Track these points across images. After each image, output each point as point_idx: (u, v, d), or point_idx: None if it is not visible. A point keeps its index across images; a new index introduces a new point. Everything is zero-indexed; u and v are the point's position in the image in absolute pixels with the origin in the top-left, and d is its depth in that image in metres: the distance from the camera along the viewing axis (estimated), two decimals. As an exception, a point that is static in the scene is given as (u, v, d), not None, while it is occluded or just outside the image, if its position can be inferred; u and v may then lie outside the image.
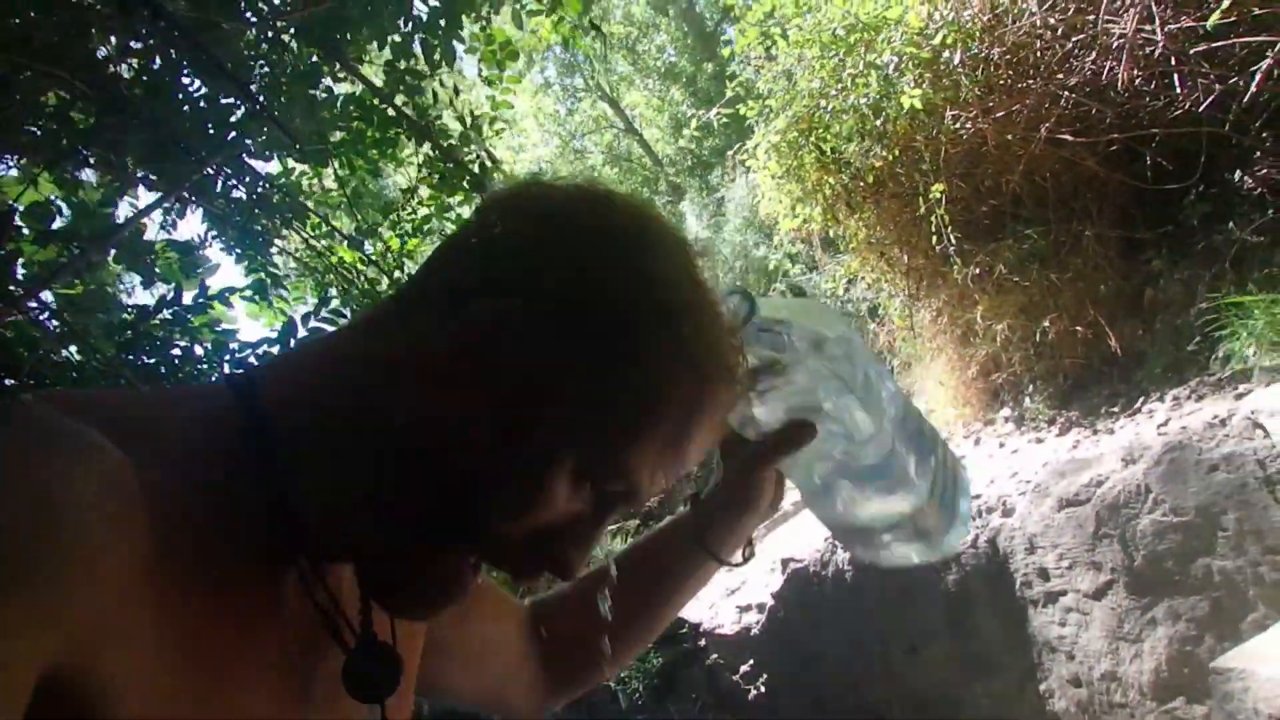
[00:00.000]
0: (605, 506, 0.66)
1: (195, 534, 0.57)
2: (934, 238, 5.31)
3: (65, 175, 3.34)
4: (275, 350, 3.51)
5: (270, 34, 3.19)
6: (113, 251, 3.53)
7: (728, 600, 6.21)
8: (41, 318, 3.03)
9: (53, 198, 3.24)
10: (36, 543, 0.46)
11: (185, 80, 3.13)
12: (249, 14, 3.14)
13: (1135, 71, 4.27)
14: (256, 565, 0.62)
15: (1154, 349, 4.72)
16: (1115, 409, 4.76)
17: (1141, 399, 4.59)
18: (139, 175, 3.42)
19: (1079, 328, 4.96)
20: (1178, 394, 4.35)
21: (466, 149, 3.33)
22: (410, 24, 3.09)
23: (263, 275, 3.94)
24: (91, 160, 3.30)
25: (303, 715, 0.65)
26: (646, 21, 19.12)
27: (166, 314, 3.18)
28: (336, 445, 0.64)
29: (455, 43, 2.99)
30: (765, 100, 6.70)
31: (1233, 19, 3.79)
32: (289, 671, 0.64)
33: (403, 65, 3.06)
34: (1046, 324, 5.08)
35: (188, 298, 3.26)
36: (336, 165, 3.37)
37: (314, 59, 3.20)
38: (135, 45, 2.95)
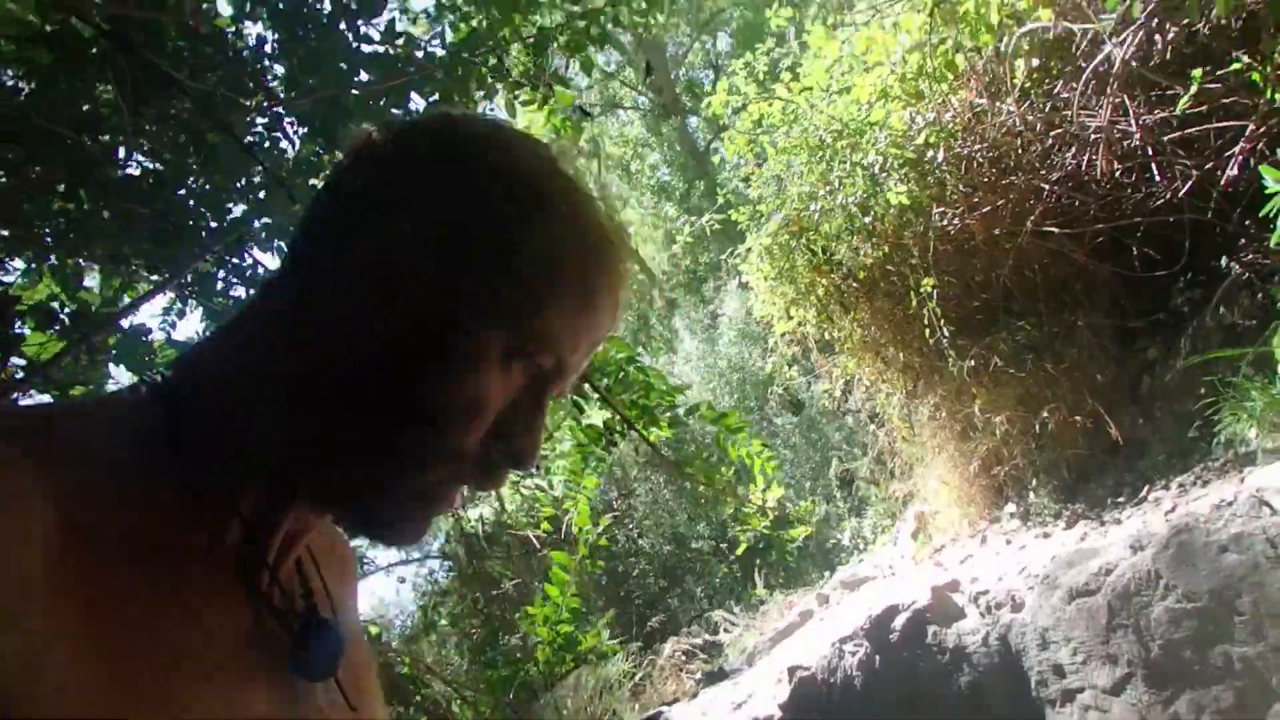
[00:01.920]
0: (541, 385, 0.69)
1: (112, 529, 0.57)
2: (927, 332, 5.32)
3: (67, 272, 3.38)
4: None
5: (271, 121, 3.28)
6: (112, 353, 3.50)
7: (734, 714, 6.00)
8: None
9: (55, 295, 3.31)
10: None
11: (191, 166, 3.21)
12: (262, 97, 3.25)
13: (1114, 163, 4.36)
14: (188, 556, 0.62)
15: (1155, 436, 4.68)
16: (1121, 499, 4.69)
17: (1147, 487, 4.53)
18: (140, 270, 3.48)
19: (1078, 418, 4.93)
20: (1183, 480, 4.29)
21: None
22: (408, 116, 3.15)
23: None
24: (95, 256, 3.33)
25: (267, 710, 0.64)
26: (640, 141, 19.65)
27: None
28: (268, 407, 0.65)
29: None
30: (756, 205, 6.82)
31: (1203, 108, 3.89)
32: (243, 663, 0.63)
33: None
34: (1045, 415, 5.05)
35: None
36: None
37: (318, 149, 3.28)
38: (148, 130, 3.01)
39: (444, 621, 9.45)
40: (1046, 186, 4.77)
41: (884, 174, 5.52)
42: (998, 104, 4.96)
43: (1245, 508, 3.50)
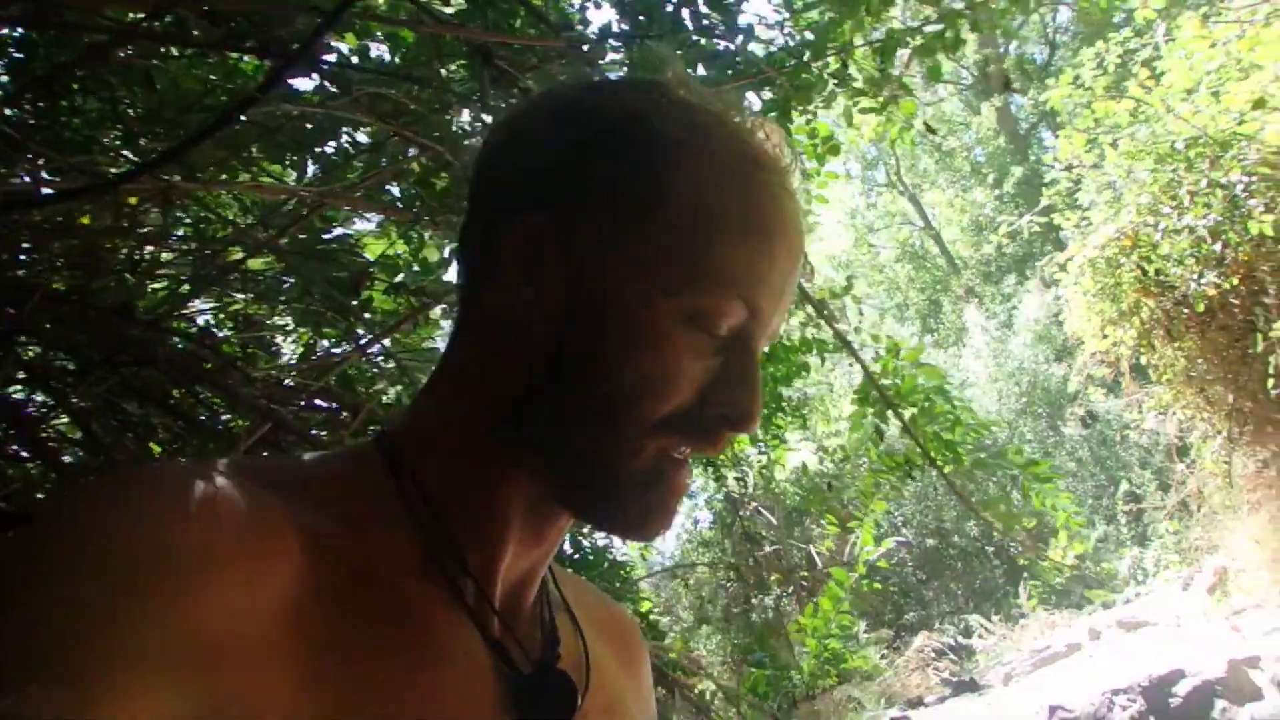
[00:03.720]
0: (739, 338, 0.64)
1: (350, 578, 0.58)
2: (1270, 380, 4.76)
3: (411, 234, 3.48)
4: None
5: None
6: (443, 308, 3.74)
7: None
8: (379, 360, 3.22)
9: (399, 253, 3.42)
10: (157, 600, 0.47)
11: None
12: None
13: None
14: (417, 598, 0.61)
15: None
16: None
17: None
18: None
19: None
20: None
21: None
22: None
23: None
24: (437, 221, 3.53)
25: None
26: (957, 119, 18.80)
27: None
28: (475, 433, 0.65)
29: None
30: (1085, 211, 6.35)
31: None
32: (458, 708, 0.61)
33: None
34: (1400, 494, 4.42)
35: None
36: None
37: None
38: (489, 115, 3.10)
39: (717, 614, 9.68)
40: None
41: (1246, 195, 4.95)
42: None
43: None
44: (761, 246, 0.64)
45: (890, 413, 3.32)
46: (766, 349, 0.69)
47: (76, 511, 0.52)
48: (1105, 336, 6.27)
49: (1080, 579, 9.67)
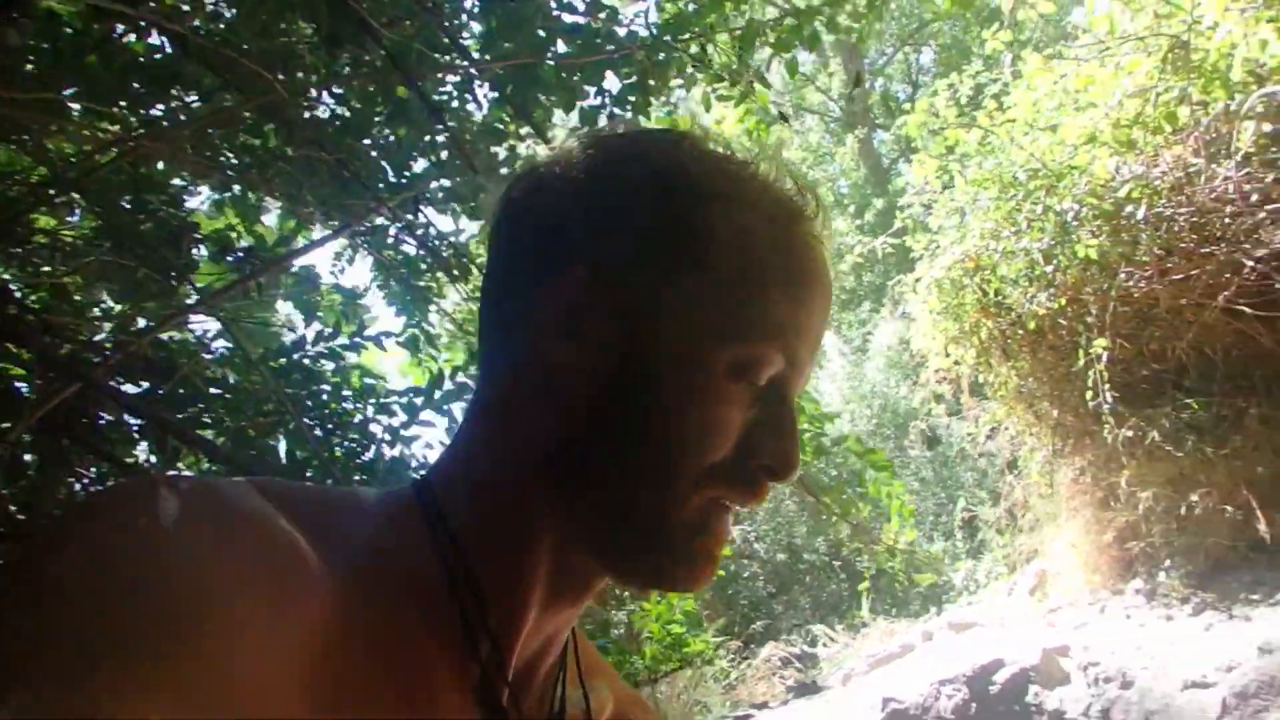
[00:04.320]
0: (779, 387, 0.65)
1: (385, 618, 0.57)
2: (1089, 394, 5.16)
3: (249, 206, 3.43)
4: (420, 400, 3.52)
5: (462, 82, 3.24)
6: (280, 290, 3.63)
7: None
8: (205, 334, 3.15)
9: (232, 225, 3.36)
10: (186, 626, 0.46)
11: (377, 118, 3.17)
12: (455, 56, 3.17)
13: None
14: (439, 657, 0.60)
15: (1310, 543, 4.44)
16: (1256, 597, 4.48)
17: (1289, 593, 4.32)
18: (317, 213, 3.48)
19: (1228, 508, 4.71)
20: (1331, 594, 4.07)
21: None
22: (601, 95, 3.10)
23: (418, 332, 3.95)
24: (276, 193, 3.31)
25: None
26: (822, 149, 19.35)
27: (323, 347, 3.24)
28: (514, 485, 0.64)
29: (641, 118, 3.06)
30: (935, 234, 6.67)
31: None
32: None
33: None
34: (1195, 499, 4.85)
35: (344, 339, 3.31)
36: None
37: (505, 116, 3.26)
38: (339, 75, 2.99)
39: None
40: (1249, 263, 4.55)
41: (1076, 223, 5.35)
42: (1214, 167, 4.75)
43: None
44: (801, 296, 0.64)
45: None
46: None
47: (108, 522, 0.50)
48: (948, 355, 6.56)
49: (919, 592, 10.14)
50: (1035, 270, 5.73)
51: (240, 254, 3.06)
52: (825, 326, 0.68)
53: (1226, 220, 4.74)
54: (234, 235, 3.21)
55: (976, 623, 7.58)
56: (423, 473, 0.71)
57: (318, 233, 3.62)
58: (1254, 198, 4.61)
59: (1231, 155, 4.65)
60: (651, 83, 3.02)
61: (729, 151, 0.67)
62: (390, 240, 3.83)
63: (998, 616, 7.27)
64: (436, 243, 3.81)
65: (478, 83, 3.32)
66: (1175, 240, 4.97)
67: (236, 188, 3.28)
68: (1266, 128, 4.56)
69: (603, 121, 3.18)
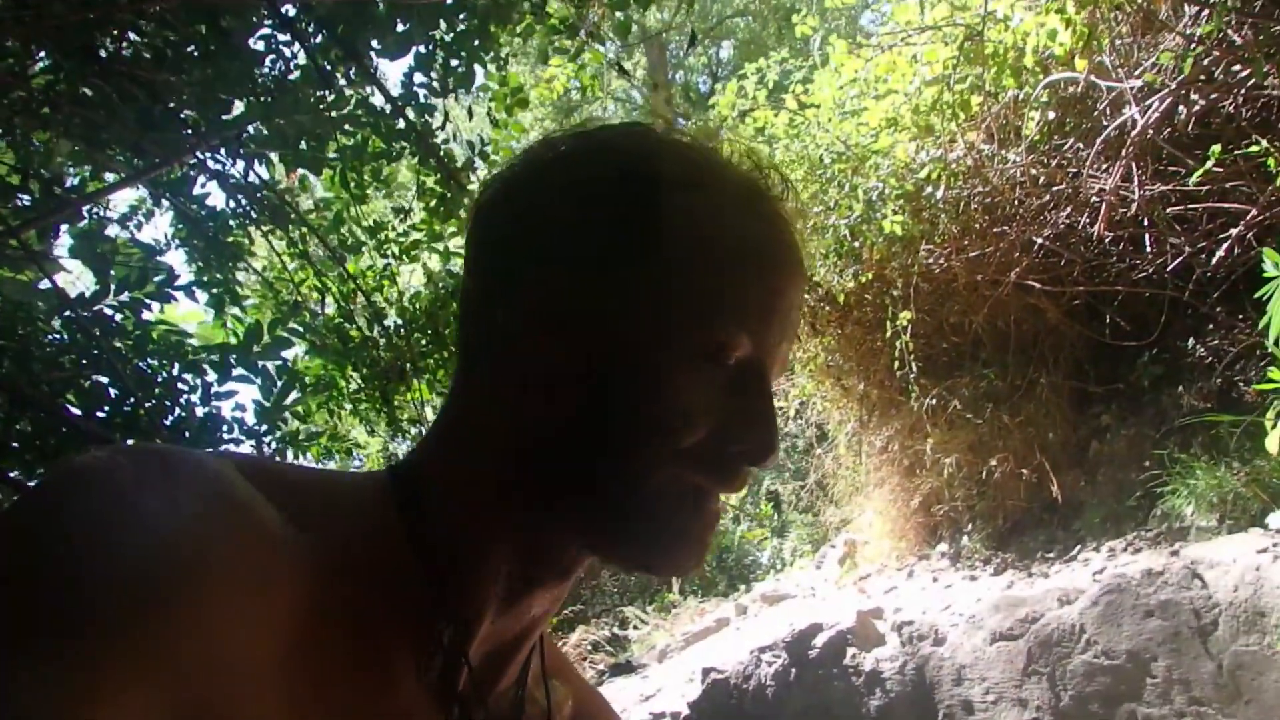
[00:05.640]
0: (753, 371, 0.65)
1: (355, 606, 0.58)
2: (895, 364, 5.39)
3: (31, 147, 3.17)
4: (234, 357, 3.41)
5: (288, 21, 3.11)
6: (68, 241, 3.29)
7: (641, 706, 6.01)
8: None
9: (13, 168, 3.13)
10: (156, 607, 0.45)
11: (193, 54, 2.99)
12: None
13: (1108, 229, 4.46)
14: (404, 643, 0.61)
15: (1094, 500, 4.79)
16: (1051, 554, 4.80)
17: (1078, 547, 4.64)
18: (116, 153, 3.27)
19: (1024, 471, 5.03)
20: (1114, 545, 4.40)
21: (468, 177, 3.33)
22: (434, 42, 3.06)
23: (222, 290, 3.80)
24: (70, 134, 3.07)
25: None
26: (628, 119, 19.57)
27: (126, 296, 3.07)
28: (495, 477, 0.65)
29: (476, 67, 3.03)
30: (745, 213, 6.80)
31: (1208, 187, 3.99)
32: None
33: (418, 80, 3.10)
34: (993, 464, 5.15)
35: (150, 289, 3.15)
36: (332, 175, 3.32)
37: (331, 56, 3.14)
38: (153, 9, 2.80)
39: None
40: (1037, 241, 4.86)
41: (880, 202, 5.57)
42: (1004, 151, 5.04)
43: (1178, 578, 3.60)
44: (765, 275, 0.65)
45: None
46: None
47: (85, 495, 0.49)
48: (756, 331, 6.74)
49: (726, 571, 10.39)
50: (844, 246, 5.94)
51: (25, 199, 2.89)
52: (798, 306, 0.69)
53: (1017, 202, 5.04)
54: (14, 179, 3.03)
55: (789, 594, 7.84)
56: (397, 460, 0.72)
57: (110, 179, 3.41)
58: (1040, 180, 4.93)
59: (1019, 141, 4.94)
60: (490, 28, 2.93)
61: (691, 139, 0.69)
62: (196, 191, 3.65)
63: (809, 587, 7.53)
64: (258, 193, 3.60)
65: (301, 22, 3.20)
66: (971, 220, 5.25)
67: (18, 130, 3.04)
68: (1050, 115, 4.87)
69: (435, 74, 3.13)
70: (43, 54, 2.80)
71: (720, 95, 7.00)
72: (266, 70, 3.13)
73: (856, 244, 5.73)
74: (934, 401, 5.43)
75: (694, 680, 5.68)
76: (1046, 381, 5.08)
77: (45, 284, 3.18)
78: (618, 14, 3.14)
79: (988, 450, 5.24)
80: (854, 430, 6.55)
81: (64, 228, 3.30)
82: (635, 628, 10.12)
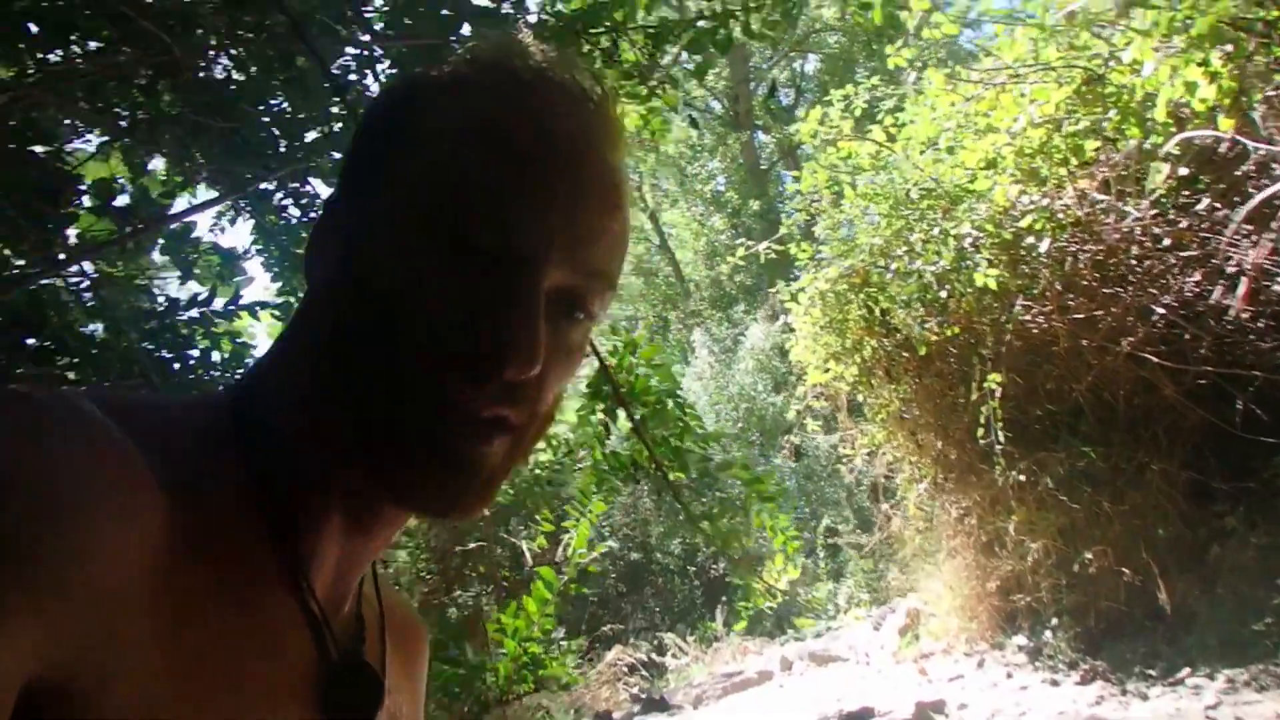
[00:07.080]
0: (505, 266, 0.60)
1: (207, 533, 0.57)
2: (979, 430, 4.82)
3: (136, 159, 3.40)
4: None
5: (364, 58, 3.26)
6: (160, 242, 3.60)
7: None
8: (78, 287, 3.12)
9: (119, 177, 3.33)
10: (30, 537, 0.46)
11: (274, 84, 3.19)
12: (358, 30, 3.21)
13: (1246, 305, 3.84)
14: (259, 568, 0.61)
15: (1212, 615, 4.18)
16: (1153, 671, 4.21)
17: (1187, 669, 4.04)
18: (204, 174, 3.49)
19: (1125, 569, 4.44)
20: (1233, 676, 3.79)
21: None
22: None
23: (293, 299, 3.83)
24: (164, 150, 3.33)
25: None
26: (702, 145, 19.18)
27: (195, 313, 3.24)
28: (302, 390, 0.65)
29: None
30: (820, 245, 6.35)
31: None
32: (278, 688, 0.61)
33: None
34: (1089, 556, 4.57)
35: (219, 303, 3.31)
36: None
37: None
38: (240, 36, 2.96)
39: (415, 606, 9.15)
40: (1158, 310, 4.24)
41: (973, 250, 5.01)
42: (1123, 204, 4.43)
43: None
44: (511, 163, 0.62)
45: (621, 410, 3.23)
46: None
47: None
48: (827, 370, 6.29)
49: (773, 609, 9.91)
50: (928, 294, 5.41)
51: (122, 208, 3.11)
52: (576, 201, 0.63)
53: (1132, 262, 4.44)
54: (117, 186, 3.23)
55: (841, 657, 7.30)
56: (238, 379, 0.72)
57: (202, 194, 3.66)
58: (1164, 241, 4.32)
59: (1144, 195, 4.33)
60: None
61: (524, 52, 0.67)
62: (275, 204, 3.82)
63: (862, 653, 6.98)
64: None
65: (380, 60, 3.33)
66: (1078, 278, 4.68)
67: (126, 140, 3.29)
68: (1182, 170, 4.25)
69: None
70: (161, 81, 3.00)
71: (802, 111, 6.53)
72: (340, 103, 3.25)
73: (943, 294, 5.17)
74: (1021, 476, 4.87)
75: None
76: (1158, 468, 4.47)
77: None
78: (695, 57, 2.90)
79: (1082, 538, 4.66)
80: (926, 490, 5.98)
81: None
82: (674, 656, 9.78)
